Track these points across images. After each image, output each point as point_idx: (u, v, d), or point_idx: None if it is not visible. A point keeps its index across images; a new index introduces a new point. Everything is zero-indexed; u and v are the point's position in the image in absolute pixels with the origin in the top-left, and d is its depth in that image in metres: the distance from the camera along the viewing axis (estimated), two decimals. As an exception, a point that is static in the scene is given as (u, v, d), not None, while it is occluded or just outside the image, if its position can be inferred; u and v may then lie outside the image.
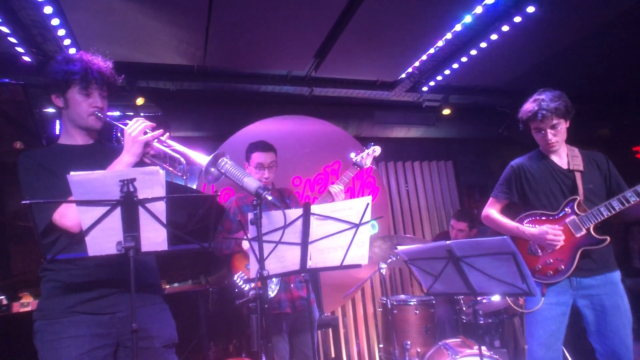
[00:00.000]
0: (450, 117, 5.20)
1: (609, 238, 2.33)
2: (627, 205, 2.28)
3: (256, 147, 2.92)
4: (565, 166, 2.53)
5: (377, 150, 2.95)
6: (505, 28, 3.64)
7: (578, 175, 2.47)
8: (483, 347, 2.57)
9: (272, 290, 2.69)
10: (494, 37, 3.78)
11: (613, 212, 2.31)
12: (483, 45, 3.92)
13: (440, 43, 3.94)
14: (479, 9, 3.44)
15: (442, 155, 5.94)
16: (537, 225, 2.48)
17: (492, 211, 2.68)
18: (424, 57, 4.17)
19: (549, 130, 2.49)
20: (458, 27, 3.69)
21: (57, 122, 3.59)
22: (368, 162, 2.92)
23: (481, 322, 3.42)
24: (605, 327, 2.31)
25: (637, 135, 6.12)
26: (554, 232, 2.37)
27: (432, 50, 4.06)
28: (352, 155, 2.94)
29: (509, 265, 1.93)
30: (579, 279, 2.38)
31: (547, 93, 2.51)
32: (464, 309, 3.48)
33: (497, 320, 3.52)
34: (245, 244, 2.61)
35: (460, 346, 2.95)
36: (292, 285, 2.78)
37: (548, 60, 4.36)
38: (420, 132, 5.49)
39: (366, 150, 2.94)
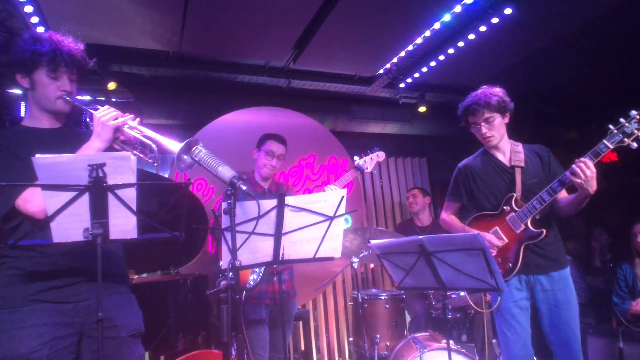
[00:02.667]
0: (425, 115, 5.26)
1: (545, 230, 2.37)
2: (554, 195, 2.31)
3: (272, 136, 2.98)
4: (508, 163, 2.56)
5: (381, 155, 2.89)
6: (482, 28, 3.70)
7: (518, 171, 2.50)
8: (451, 341, 2.62)
9: (254, 280, 2.67)
10: (471, 36, 3.84)
11: (544, 204, 2.33)
12: (460, 44, 3.97)
13: (419, 40, 3.97)
14: (458, 8, 3.49)
15: (416, 152, 6.02)
16: (482, 224, 2.54)
17: (445, 215, 2.79)
18: (403, 54, 4.20)
19: (482, 124, 2.53)
20: (437, 25, 3.73)
21: (23, 104, 3.44)
22: (370, 167, 2.86)
23: (449, 316, 3.48)
24: (559, 319, 2.40)
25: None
26: (489, 238, 2.43)
27: (410, 47, 4.09)
28: (356, 158, 2.89)
29: (479, 261, 1.97)
30: (536, 276, 2.45)
31: (484, 89, 2.56)
32: (434, 303, 3.54)
33: (464, 315, 3.59)
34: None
35: (429, 340, 3.01)
36: (275, 278, 2.77)
37: (522, 63, 4.46)
38: (396, 129, 5.54)
39: (370, 155, 2.88)
